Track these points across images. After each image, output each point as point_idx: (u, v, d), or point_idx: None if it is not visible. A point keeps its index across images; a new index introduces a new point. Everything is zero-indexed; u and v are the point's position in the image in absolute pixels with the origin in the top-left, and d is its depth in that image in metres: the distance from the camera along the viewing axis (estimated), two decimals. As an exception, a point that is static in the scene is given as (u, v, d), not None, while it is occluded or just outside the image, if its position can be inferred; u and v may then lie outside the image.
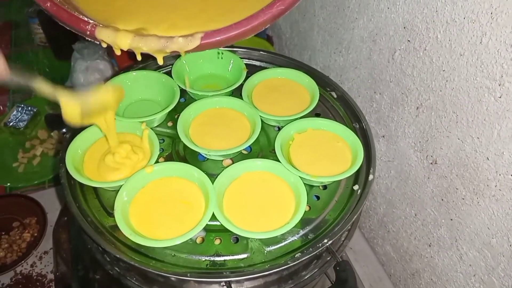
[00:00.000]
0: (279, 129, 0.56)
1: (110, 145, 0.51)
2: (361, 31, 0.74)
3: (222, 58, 0.65)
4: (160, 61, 0.42)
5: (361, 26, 0.73)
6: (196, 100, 0.58)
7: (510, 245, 0.54)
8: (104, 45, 0.41)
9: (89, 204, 0.49)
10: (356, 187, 0.51)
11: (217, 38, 0.39)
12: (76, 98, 0.43)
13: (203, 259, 0.45)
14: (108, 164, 0.50)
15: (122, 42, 0.40)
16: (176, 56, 0.64)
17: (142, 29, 0.42)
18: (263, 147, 0.56)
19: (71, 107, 0.43)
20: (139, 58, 0.42)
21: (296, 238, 0.46)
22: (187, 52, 0.40)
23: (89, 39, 0.41)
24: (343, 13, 0.78)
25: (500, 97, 0.49)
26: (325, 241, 0.45)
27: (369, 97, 0.76)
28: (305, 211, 0.46)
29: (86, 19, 0.41)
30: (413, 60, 0.62)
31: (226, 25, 0.39)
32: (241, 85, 0.60)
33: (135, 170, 0.49)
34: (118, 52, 0.41)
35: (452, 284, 0.67)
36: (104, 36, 0.40)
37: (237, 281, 0.44)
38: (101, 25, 0.41)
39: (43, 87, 0.41)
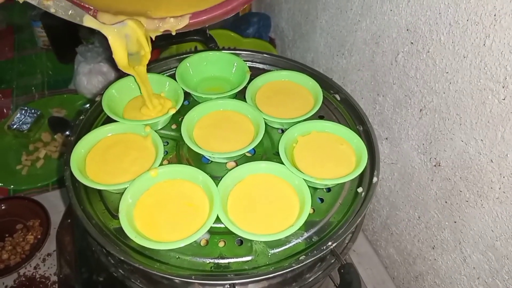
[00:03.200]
0: (283, 131, 0.56)
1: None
2: (364, 33, 0.74)
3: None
4: (153, 37, 0.49)
5: (364, 28, 0.74)
6: (200, 103, 0.58)
7: (515, 248, 0.54)
8: None
9: (94, 207, 0.49)
10: (360, 190, 0.51)
11: (203, 17, 0.46)
12: (121, 34, 0.46)
13: (208, 262, 0.45)
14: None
15: None
16: (180, 59, 0.65)
17: None
18: (267, 150, 0.56)
19: (119, 44, 0.46)
20: None
21: (300, 241, 0.46)
22: (177, 30, 0.46)
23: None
24: (346, 16, 0.79)
25: (504, 99, 0.49)
26: (329, 243, 0.45)
27: (372, 100, 0.77)
28: (309, 213, 0.46)
29: (87, 5, 0.46)
30: (416, 62, 0.62)
31: (209, 6, 0.46)
32: (245, 87, 0.60)
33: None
34: None
35: (456, 287, 0.67)
36: (106, 19, 0.45)
37: (242, 284, 0.43)
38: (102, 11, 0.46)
39: (92, 22, 0.44)
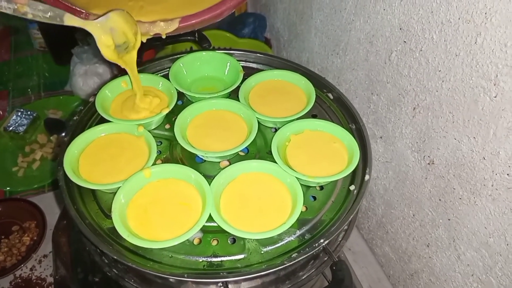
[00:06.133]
0: (276, 130, 0.56)
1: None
2: (358, 32, 0.74)
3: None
4: (144, 40, 0.49)
5: (358, 27, 0.74)
6: (193, 103, 0.58)
7: (507, 244, 0.54)
8: None
9: (87, 207, 0.49)
10: (352, 187, 0.51)
11: (193, 21, 0.47)
12: (105, 28, 0.45)
13: (201, 260, 0.45)
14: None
15: None
16: (173, 59, 0.65)
17: None
18: (260, 149, 0.56)
19: (105, 39, 0.46)
20: None
21: (292, 239, 0.47)
22: (167, 34, 0.47)
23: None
24: (340, 15, 0.79)
25: (495, 97, 0.50)
26: (322, 241, 0.45)
27: (366, 98, 0.77)
28: (301, 211, 0.46)
29: (79, 9, 0.47)
30: (409, 61, 0.63)
31: (198, 10, 0.48)
32: (238, 87, 0.60)
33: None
34: None
35: (451, 284, 0.67)
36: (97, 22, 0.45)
37: (235, 282, 0.44)
38: (93, 14, 0.47)
39: (73, 20, 0.43)
